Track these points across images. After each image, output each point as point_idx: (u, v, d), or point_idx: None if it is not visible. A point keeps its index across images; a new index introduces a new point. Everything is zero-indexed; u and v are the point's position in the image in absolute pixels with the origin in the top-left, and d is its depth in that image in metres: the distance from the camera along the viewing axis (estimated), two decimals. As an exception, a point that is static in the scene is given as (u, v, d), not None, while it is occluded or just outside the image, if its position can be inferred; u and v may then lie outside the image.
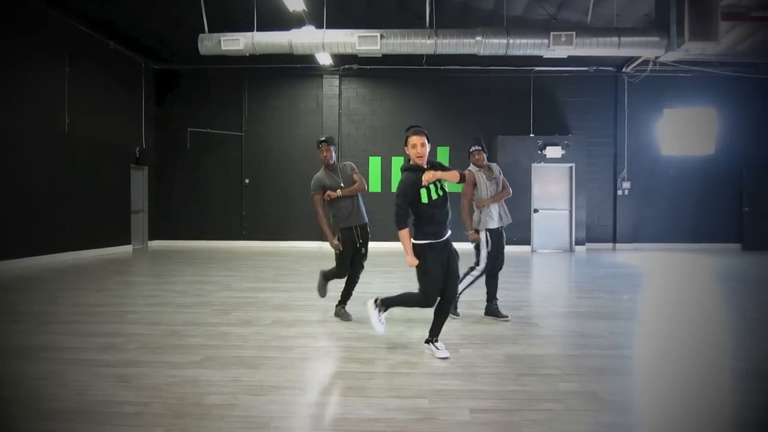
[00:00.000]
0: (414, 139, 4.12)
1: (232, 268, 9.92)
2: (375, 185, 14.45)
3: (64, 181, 11.05)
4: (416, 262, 4.08)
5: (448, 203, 4.20)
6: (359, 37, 10.20)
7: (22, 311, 6.00)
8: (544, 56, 10.72)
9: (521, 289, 7.87)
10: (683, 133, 14.55)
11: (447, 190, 4.21)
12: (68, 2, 10.58)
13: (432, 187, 4.09)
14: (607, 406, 3.25)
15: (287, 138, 14.82)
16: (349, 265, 5.47)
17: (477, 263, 5.56)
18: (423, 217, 4.09)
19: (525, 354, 4.35)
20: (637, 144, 14.51)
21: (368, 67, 14.31)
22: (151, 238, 14.68)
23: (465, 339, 4.76)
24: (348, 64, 14.34)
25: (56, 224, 10.86)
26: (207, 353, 4.28)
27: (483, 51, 10.33)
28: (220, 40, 10.36)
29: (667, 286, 8.43)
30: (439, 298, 4.19)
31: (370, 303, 4.39)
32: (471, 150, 5.57)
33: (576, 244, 13.83)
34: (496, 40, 10.15)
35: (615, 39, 9.96)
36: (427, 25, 10.33)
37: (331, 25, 10.45)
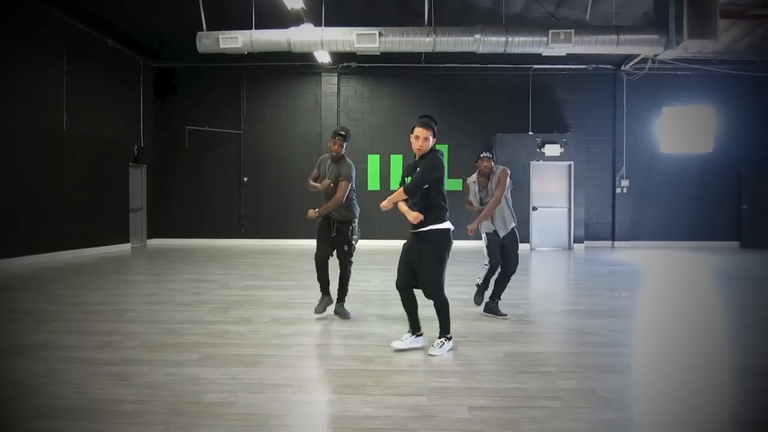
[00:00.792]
0: (417, 131, 4.07)
1: (230, 266, 9.91)
2: (374, 183, 14.44)
3: (62, 179, 11.03)
4: (421, 216, 4.06)
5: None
6: (358, 34, 10.18)
7: (21, 309, 6.00)
8: (543, 54, 10.73)
9: (520, 287, 7.87)
10: (682, 131, 14.55)
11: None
12: (66, 0, 10.55)
13: (408, 179, 4.18)
14: (606, 404, 3.25)
15: (286, 136, 14.80)
16: (327, 250, 5.39)
17: (485, 259, 5.76)
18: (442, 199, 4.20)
19: (524, 352, 4.36)
20: (635, 142, 14.51)
21: (367, 65, 14.29)
22: (150, 236, 14.67)
23: (464, 337, 4.76)
24: (347, 62, 14.32)
25: (55, 223, 10.85)
26: (206, 351, 4.28)
27: (482, 49, 10.33)
28: (218, 38, 10.34)
29: (665, 284, 8.44)
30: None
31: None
32: (481, 155, 5.52)
33: (575, 242, 13.84)
34: (494, 38, 10.15)
35: (614, 37, 9.95)
36: (426, 23, 10.32)
37: (330, 23, 10.43)
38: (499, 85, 14.55)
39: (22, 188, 9.99)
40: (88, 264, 10.15)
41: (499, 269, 5.65)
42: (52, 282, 8.07)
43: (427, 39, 10.25)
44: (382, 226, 12.86)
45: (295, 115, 14.84)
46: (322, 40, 10.35)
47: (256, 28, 10.40)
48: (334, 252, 5.45)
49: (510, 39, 10.09)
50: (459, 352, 4.29)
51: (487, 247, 5.65)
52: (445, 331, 4.28)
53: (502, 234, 5.60)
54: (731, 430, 3.04)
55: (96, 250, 12.05)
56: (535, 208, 13.88)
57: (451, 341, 4.31)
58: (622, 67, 14.14)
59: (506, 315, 5.54)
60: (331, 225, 5.40)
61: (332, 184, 5.25)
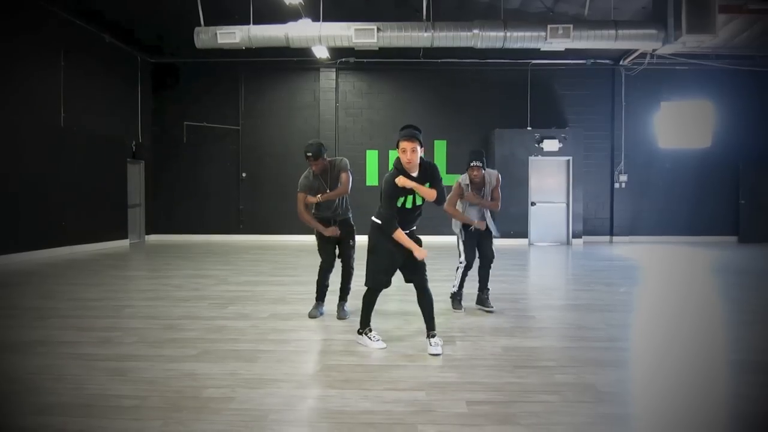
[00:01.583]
0: (404, 144, 3.93)
1: (229, 262, 9.91)
2: (372, 179, 14.42)
3: (60, 175, 11.00)
4: (425, 252, 4.05)
5: (419, 211, 4.19)
6: (356, 30, 10.17)
7: (19, 306, 5.99)
8: (542, 49, 10.71)
9: (518, 282, 7.88)
10: (680, 126, 14.55)
11: (420, 204, 4.14)
12: (63, -5, 10.53)
13: (410, 198, 4.05)
14: (604, 398, 3.26)
15: (284, 132, 14.77)
16: (334, 255, 5.36)
17: (459, 256, 5.69)
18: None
19: (522, 346, 4.36)
20: (634, 137, 14.50)
21: (365, 60, 14.25)
22: (148, 232, 14.66)
23: (462, 331, 4.77)
24: (345, 58, 14.28)
25: (52, 219, 10.82)
26: (204, 347, 4.28)
27: (480, 44, 10.31)
28: (216, 34, 10.32)
29: (663, 279, 8.45)
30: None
31: (357, 338, 4.39)
32: (471, 164, 5.40)
33: (573, 237, 13.85)
34: (493, 33, 10.13)
35: (612, 32, 9.94)
36: (424, 18, 10.29)
37: (328, 18, 10.40)
38: (498, 80, 14.53)
39: (19, 184, 9.96)
40: (86, 260, 10.14)
41: (477, 262, 5.67)
42: (50, 278, 8.05)
43: (426, 34, 10.23)
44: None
45: (294, 111, 14.81)
46: (320, 36, 10.33)
47: (254, 23, 10.37)
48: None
49: (508, 34, 10.07)
50: (457, 347, 4.30)
51: (464, 242, 5.63)
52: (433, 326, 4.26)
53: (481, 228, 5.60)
54: (729, 425, 3.05)
55: (94, 246, 12.03)
56: (533, 204, 13.88)
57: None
58: (621, 62, 14.12)
59: (492, 309, 5.56)
60: (332, 225, 5.29)
61: (328, 190, 5.15)
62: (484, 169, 5.49)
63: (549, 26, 9.92)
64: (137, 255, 11.52)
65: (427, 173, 4.08)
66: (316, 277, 5.41)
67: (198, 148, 14.79)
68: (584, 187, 14.05)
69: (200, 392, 3.30)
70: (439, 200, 4.13)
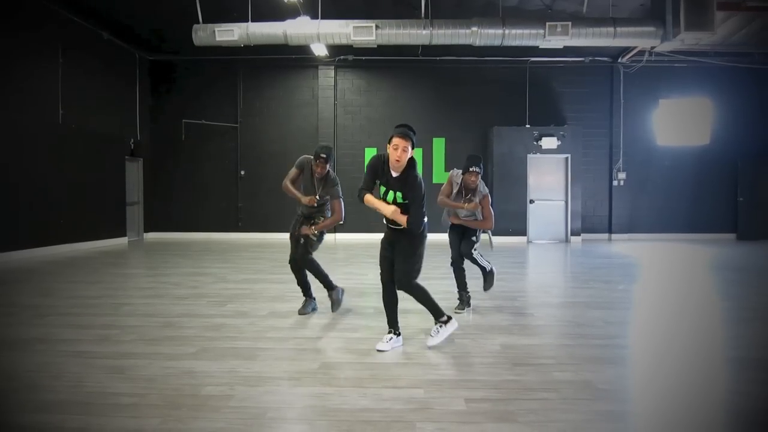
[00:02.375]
0: (397, 141, 3.92)
1: (227, 260, 9.91)
2: (371, 177, 14.39)
3: (58, 173, 10.98)
4: (392, 208, 3.98)
5: (403, 210, 4.04)
6: (354, 27, 10.15)
7: (18, 303, 5.99)
8: (540, 47, 10.70)
9: (517, 280, 7.89)
10: (679, 124, 14.55)
11: (402, 201, 4.06)
12: (60, -8, 10.50)
13: (392, 193, 4.05)
14: (602, 395, 3.27)
15: (283, 129, 14.75)
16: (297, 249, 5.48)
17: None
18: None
19: (520, 344, 4.37)
20: (632, 134, 14.51)
21: (363, 57, 14.23)
22: (147, 230, 14.64)
23: (460, 329, 4.76)
24: (343, 55, 14.26)
25: (51, 217, 10.80)
26: (203, 345, 4.29)
27: (478, 41, 10.30)
28: (214, 31, 10.30)
29: (662, 277, 8.46)
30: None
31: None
32: (470, 169, 5.33)
33: (571, 234, 13.86)
34: (491, 31, 10.12)
35: (610, 29, 9.94)
36: (423, 15, 10.28)
37: (326, 16, 10.39)
38: (496, 77, 14.51)
39: (17, 182, 9.94)
40: (85, 258, 10.13)
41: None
42: (49, 276, 8.05)
43: (424, 31, 10.22)
44: (379, 220, 12.86)
45: (292, 109, 14.79)
46: (318, 33, 10.31)
47: (253, 20, 10.36)
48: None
49: (507, 31, 10.06)
50: (455, 345, 4.30)
51: (448, 237, 5.71)
52: (437, 315, 4.23)
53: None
54: (728, 422, 3.06)
55: (92, 244, 12.02)
56: (532, 201, 13.89)
57: (448, 324, 4.24)
58: (619, 60, 14.11)
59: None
60: (296, 221, 5.59)
61: (315, 204, 5.30)
62: (481, 176, 5.49)
63: (547, 24, 9.91)
64: (136, 253, 11.51)
65: (407, 183, 3.99)
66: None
67: (196, 146, 14.76)
68: (583, 185, 14.05)
69: (199, 390, 3.30)
70: (411, 225, 3.99)
